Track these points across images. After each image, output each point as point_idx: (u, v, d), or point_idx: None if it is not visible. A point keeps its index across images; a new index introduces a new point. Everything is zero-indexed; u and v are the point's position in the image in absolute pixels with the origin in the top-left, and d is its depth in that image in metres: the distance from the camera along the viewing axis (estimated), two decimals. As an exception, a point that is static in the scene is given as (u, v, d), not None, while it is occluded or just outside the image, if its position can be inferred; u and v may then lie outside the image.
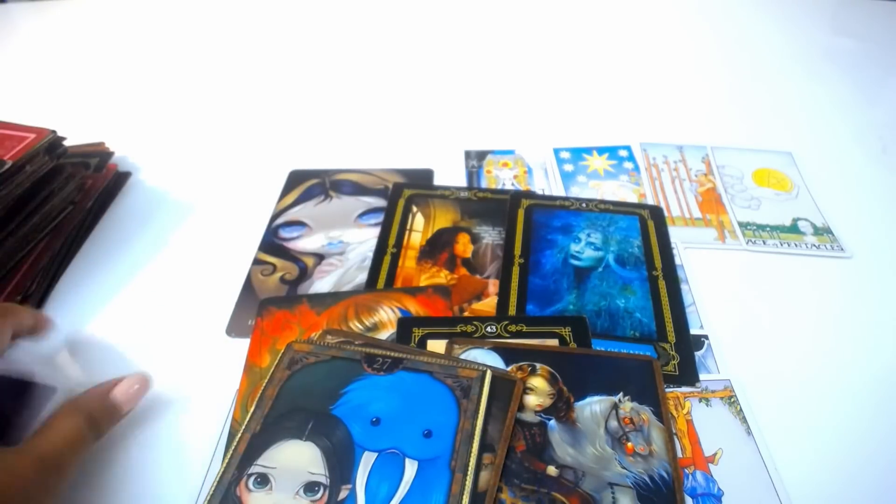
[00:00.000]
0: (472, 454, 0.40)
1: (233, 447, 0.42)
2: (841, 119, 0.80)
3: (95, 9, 1.09)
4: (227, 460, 0.41)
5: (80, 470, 0.44)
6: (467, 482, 0.39)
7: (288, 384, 0.45)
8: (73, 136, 0.63)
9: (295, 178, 0.70)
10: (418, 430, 0.42)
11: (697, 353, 0.51)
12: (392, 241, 0.61)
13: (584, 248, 0.59)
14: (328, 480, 0.39)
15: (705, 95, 0.85)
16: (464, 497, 0.38)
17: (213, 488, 0.40)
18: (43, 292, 0.57)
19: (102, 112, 0.83)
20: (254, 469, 0.40)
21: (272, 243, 0.62)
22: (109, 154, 0.71)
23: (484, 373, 0.45)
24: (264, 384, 0.45)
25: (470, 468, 0.40)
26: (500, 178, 0.70)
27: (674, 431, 0.44)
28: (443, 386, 0.44)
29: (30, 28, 1.06)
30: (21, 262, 0.57)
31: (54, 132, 0.59)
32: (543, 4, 1.08)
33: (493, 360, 0.48)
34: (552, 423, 0.44)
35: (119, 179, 0.70)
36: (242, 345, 0.51)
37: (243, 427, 0.43)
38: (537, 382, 0.46)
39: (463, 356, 0.48)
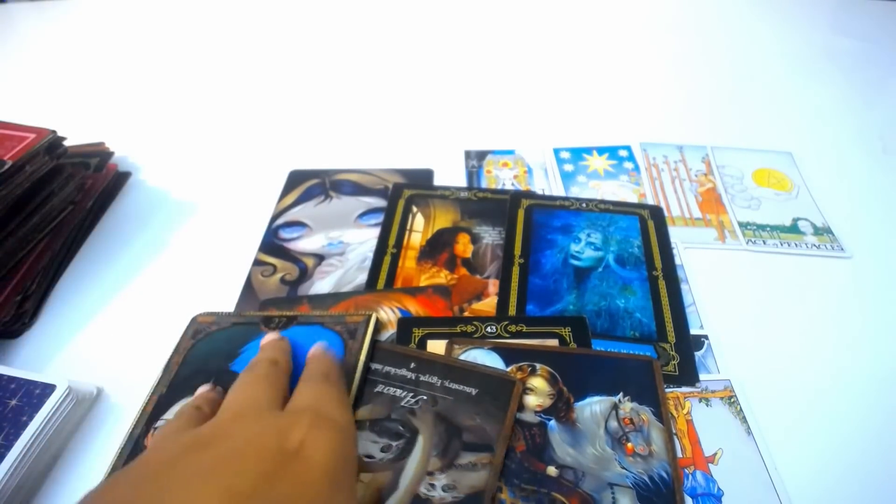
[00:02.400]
0: (354, 384, 0.44)
1: (141, 408, 0.45)
2: (841, 119, 0.80)
3: (95, 9, 1.09)
4: (136, 419, 0.45)
5: (80, 467, 0.44)
6: None
7: (192, 352, 0.49)
8: (73, 136, 0.63)
9: (295, 179, 0.70)
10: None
11: (697, 354, 0.51)
12: (392, 241, 0.61)
13: (584, 248, 0.59)
14: None
15: (705, 95, 0.85)
16: None
17: (123, 441, 0.43)
18: (43, 292, 0.57)
19: (102, 112, 0.83)
20: (159, 423, 0.44)
21: (272, 244, 0.62)
22: (109, 154, 0.71)
23: (369, 316, 0.48)
24: (171, 354, 0.49)
25: (351, 396, 0.43)
26: (500, 178, 0.70)
27: (674, 431, 0.44)
28: (331, 332, 0.48)
29: (30, 28, 1.06)
30: (21, 262, 0.57)
31: (54, 132, 0.59)
32: (543, 4, 1.08)
33: (493, 360, 0.48)
34: (552, 423, 0.44)
35: (119, 179, 0.70)
36: (242, 345, 0.51)
37: (151, 391, 0.46)
38: (537, 383, 0.46)
39: (463, 356, 0.48)
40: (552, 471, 0.41)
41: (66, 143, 0.61)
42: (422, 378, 0.46)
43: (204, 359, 0.48)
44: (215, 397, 0.42)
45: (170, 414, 0.45)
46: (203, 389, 0.44)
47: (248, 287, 0.58)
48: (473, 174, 0.71)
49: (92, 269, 0.60)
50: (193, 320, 0.51)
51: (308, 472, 0.32)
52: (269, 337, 0.46)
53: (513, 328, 0.51)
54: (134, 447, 0.43)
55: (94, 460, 0.45)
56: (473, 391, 0.45)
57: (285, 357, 0.44)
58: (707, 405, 0.47)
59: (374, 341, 0.47)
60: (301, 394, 0.39)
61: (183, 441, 0.34)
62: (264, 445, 0.33)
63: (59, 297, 0.57)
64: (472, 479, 0.40)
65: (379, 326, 0.48)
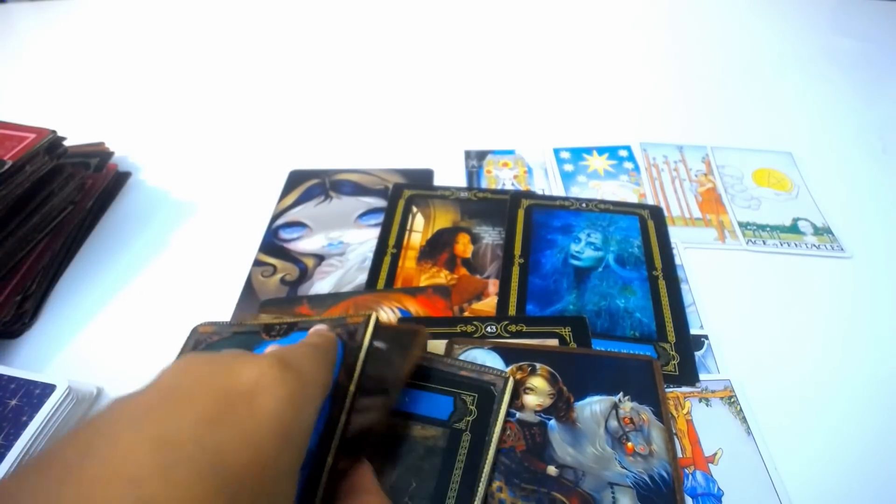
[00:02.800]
0: (353, 382, 0.41)
1: None
2: (841, 119, 0.80)
3: (95, 9, 1.09)
4: None
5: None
6: (345, 405, 0.40)
7: None
8: (73, 136, 0.63)
9: (295, 179, 0.70)
10: None
11: (697, 353, 0.51)
12: (392, 241, 0.61)
13: (584, 248, 0.59)
14: None
15: (705, 95, 0.85)
16: (341, 418, 0.39)
17: None
18: (43, 292, 0.57)
19: (102, 112, 0.83)
20: None
21: (272, 244, 0.62)
22: (109, 154, 0.71)
23: (368, 316, 0.46)
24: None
25: (349, 395, 0.41)
26: (501, 178, 0.70)
27: (674, 431, 0.44)
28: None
29: (30, 28, 1.06)
30: (21, 262, 0.57)
31: (54, 132, 0.59)
32: (544, 5, 1.08)
33: (493, 359, 0.48)
34: (552, 422, 0.44)
35: (119, 179, 0.70)
36: (242, 345, 0.51)
37: None
38: (537, 382, 0.46)
39: (463, 356, 0.48)
40: (552, 470, 0.41)
41: (66, 143, 0.61)
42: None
43: None
44: None
45: None
46: None
47: (249, 287, 0.58)
48: (473, 174, 0.71)
49: (92, 269, 0.60)
50: (194, 331, 0.50)
51: (254, 419, 0.28)
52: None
53: (513, 328, 0.51)
54: None
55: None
56: (384, 346, 0.45)
57: None
58: (707, 405, 0.47)
59: (373, 341, 0.47)
60: (275, 348, 0.35)
61: (138, 392, 0.29)
62: (211, 382, 0.29)
63: (59, 297, 0.57)
64: (364, 420, 0.40)
65: (379, 325, 0.47)
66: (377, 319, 0.46)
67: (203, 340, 0.49)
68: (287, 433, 0.29)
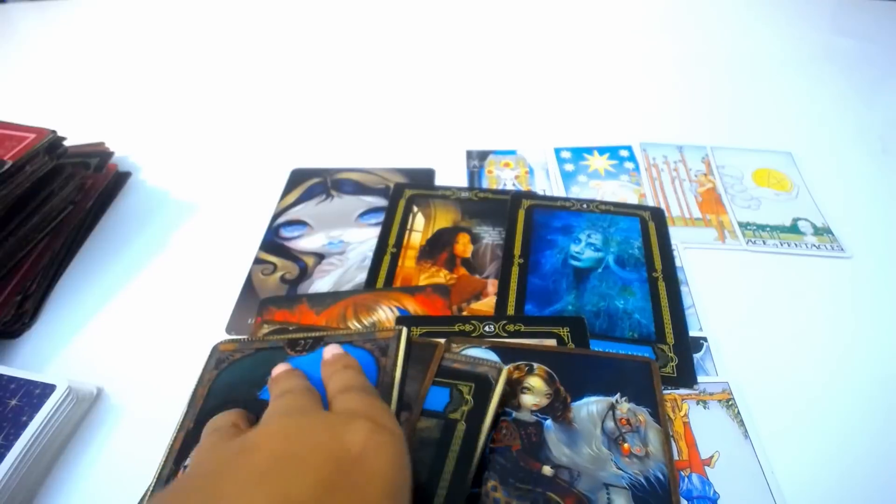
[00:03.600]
0: (392, 402, 0.42)
1: (169, 446, 0.43)
2: (841, 119, 0.80)
3: (95, 9, 1.09)
4: (164, 458, 0.42)
5: (80, 467, 0.45)
6: None
7: (217, 382, 0.46)
8: (73, 136, 0.64)
9: (297, 177, 0.70)
10: None
11: (696, 356, 0.51)
12: (392, 240, 0.61)
13: (583, 248, 0.59)
14: None
15: (705, 95, 0.85)
16: None
17: (151, 484, 0.41)
18: (43, 292, 0.57)
19: (102, 112, 0.83)
20: (189, 461, 0.41)
21: (273, 242, 0.62)
22: (109, 154, 0.71)
23: (400, 331, 0.46)
24: (195, 385, 0.47)
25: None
26: (502, 178, 0.70)
27: (670, 433, 0.44)
28: (362, 350, 0.46)
29: (30, 28, 1.06)
30: (21, 262, 0.57)
31: (54, 132, 0.59)
32: (544, 5, 1.08)
33: (491, 359, 0.48)
34: (548, 422, 0.44)
35: (119, 179, 0.70)
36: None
37: (177, 427, 0.44)
38: (534, 382, 0.46)
39: (463, 354, 0.48)
40: (547, 470, 0.41)
41: (66, 143, 0.61)
42: None
43: (230, 388, 0.46)
44: (250, 416, 0.40)
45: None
46: (234, 410, 0.41)
47: (249, 285, 0.58)
48: (475, 174, 0.71)
49: (92, 269, 0.60)
50: (215, 349, 0.49)
51: (368, 483, 0.30)
52: (278, 370, 0.43)
53: (511, 328, 0.51)
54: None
55: (94, 460, 0.45)
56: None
57: (304, 380, 0.41)
58: (705, 407, 0.47)
59: (407, 358, 0.45)
60: (345, 400, 0.37)
61: (230, 446, 0.32)
62: (322, 447, 0.31)
63: (59, 297, 0.58)
64: None
65: (411, 340, 0.47)
66: (409, 334, 0.46)
67: (226, 358, 0.48)
68: (396, 492, 0.31)
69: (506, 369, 0.45)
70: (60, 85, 0.90)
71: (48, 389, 0.45)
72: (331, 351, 0.44)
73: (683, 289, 0.56)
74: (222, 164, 0.74)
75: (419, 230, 0.63)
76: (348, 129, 0.79)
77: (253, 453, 0.31)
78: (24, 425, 0.43)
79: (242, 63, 0.94)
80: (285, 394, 0.38)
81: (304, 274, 0.59)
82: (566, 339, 0.50)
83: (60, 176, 0.61)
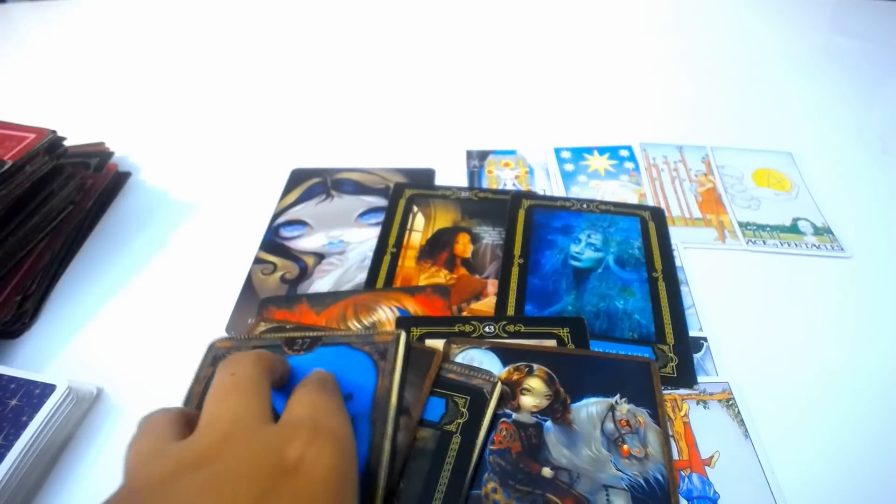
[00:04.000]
0: (391, 406, 0.42)
1: None
2: (841, 119, 0.80)
3: (95, 9, 1.09)
4: None
5: (80, 467, 0.45)
6: (387, 430, 0.40)
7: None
8: (73, 136, 0.63)
9: (297, 177, 0.70)
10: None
11: (696, 356, 0.51)
12: (392, 240, 0.61)
13: (583, 248, 0.59)
14: None
15: (705, 95, 0.85)
16: (384, 444, 0.40)
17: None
18: (43, 292, 0.57)
19: (102, 112, 0.83)
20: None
21: (273, 242, 0.62)
22: (109, 154, 0.71)
23: (399, 335, 0.46)
24: (191, 382, 0.47)
25: (390, 418, 0.41)
26: (502, 178, 0.70)
27: (670, 434, 0.44)
28: (361, 353, 0.46)
29: (30, 28, 1.06)
30: (21, 262, 0.57)
31: (54, 132, 0.59)
32: (544, 5, 1.08)
33: (490, 360, 0.48)
34: (548, 424, 0.44)
35: (119, 179, 0.70)
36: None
37: None
38: (534, 383, 0.46)
39: (460, 356, 0.48)
40: (547, 472, 0.41)
41: (66, 143, 0.61)
42: None
43: None
44: (191, 413, 0.39)
45: None
46: (177, 409, 0.39)
47: (248, 285, 0.58)
48: (475, 174, 0.71)
49: (92, 269, 0.60)
50: (211, 346, 0.49)
51: (308, 488, 0.31)
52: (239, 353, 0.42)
53: (511, 328, 0.51)
54: None
55: (94, 460, 0.45)
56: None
57: (261, 368, 0.39)
58: (705, 408, 0.47)
59: (406, 362, 0.46)
60: (296, 402, 0.37)
61: (169, 462, 0.32)
62: (260, 462, 0.32)
63: (59, 297, 0.58)
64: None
65: (410, 344, 0.47)
66: (408, 338, 0.46)
67: (222, 356, 0.48)
68: (337, 493, 0.32)
69: (500, 384, 0.45)
70: (60, 85, 0.89)
71: (48, 389, 0.45)
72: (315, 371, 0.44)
73: (683, 289, 0.56)
74: (222, 164, 0.74)
75: (419, 230, 0.63)
76: (348, 130, 0.79)
77: (194, 472, 0.31)
78: (24, 425, 0.43)
79: (242, 63, 0.94)
80: (234, 381, 0.37)
81: (304, 274, 0.59)
82: (566, 339, 0.50)
83: (60, 176, 0.61)
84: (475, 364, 0.47)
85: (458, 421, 0.43)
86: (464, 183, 0.70)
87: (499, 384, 0.45)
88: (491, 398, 0.44)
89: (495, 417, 0.44)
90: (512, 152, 0.74)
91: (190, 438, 0.34)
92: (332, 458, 0.33)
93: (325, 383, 0.40)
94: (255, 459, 0.32)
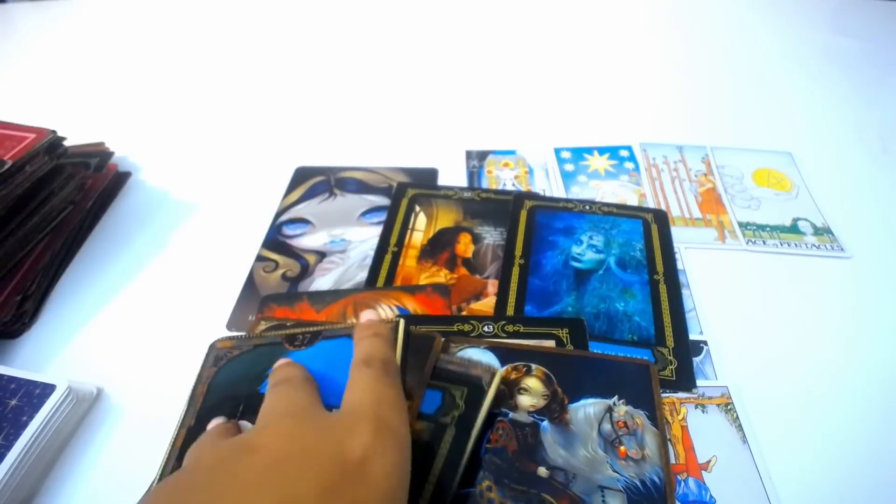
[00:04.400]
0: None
1: (171, 443, 0.43)
2: (841, 119, 0.80)
3: (95, 9, 1.09)
4: (166, 456, 0.43)
5: (80, 467, 0.45)
6: None
7: (216, 379, 0.46)
8: (73, 136, 0.64)
9: (300, 175, 0.70)
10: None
11: (696, 359, 0.50)
12: (394, 239, 0.61)
13: (585, 250, 0.59)
14: None
15: (705, 95, 0.85)
16: None
17: (154, 481, 0.42)
18: (43, 292, 0.57)
19: (102, 112, 0.83)
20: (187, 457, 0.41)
21: (275, 240, 0.62)
22: (109, 154, 0.72)
23: (398, 321, 0.46)
24: (194, 383, 0.47)
25: None
26: (501, 178, 0.70)
27: (668, 437, 0.44)
28: None
29: (30, 28, 1.06)
30: (21, 262, 0.57)
31: (54, 132, 0.59)
32: (544, 5, 1.08)
33: (488, 359, 0.48)
34: (545, 423, 0.44)
35: (119, 179, 0.70)
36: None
37: (179, 423, 0.44)
38: (532, 383, 0.46)
39: (459, 355, 0.48)
40: (543, 471, 0.41)
41: (66, 143, 0.61)
42: None
43: (230, 385, 0.46)
44: (240, 425, 0.40)
45: None
46: (226, 422, 0.41)
47: (250, 283, 0.58)
48: (474, 174, 0.71)
49: (92, 269, 0.60)
50: (212, 346, 0.49)
51: (368, 491, 0.30)
52: (280, 363, 0.42)
53: (510, 328, 0.51)
54: None
55: (94, 460, 0.45)
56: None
57: (303, 371, 0.40)
58: (703, 411, 0.47)
59: (406, 348, 0.45)
60: (357, 387, 0.36)
61: (228, 445, 0.32)
62: (323, 451, 0.31)
63: (59, 297, 0.58)
64: None
65: (409, 333, 0.46)
66: (407, 326, 0.46)
67: (223, 355, 0.48)
68: (395, 496, 0.31)
69: (499, 373, 0.44)
70: (60, 85, 0.90)
71: (48, 389, 0.45)
72: (366, 315, 0.44)
73: (684, 292, 0.56)
74: (224, 163, 0.74)
75: (421, 229, 0.63)
76: (352, 129, 0.79)
77: (253, 453, 0.31)
78: (24, 425, 0.43)
79: (246, 62, 0.94)
80: (280, 383, 0.38)
81: (306, 272, 0.59)
82: (565, 340, 0.50)
83: (60, 176, 0.61)
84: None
85: (454, 413, 0.42)
86: (464, 183, 0.70)
87: (498, 373, 0.44)
88: (489, 388, 0.43)
89: (492, 416, 0.44)
90: (511, 152, 0.74)
91: (249, 430, 0.34)
92: (394, 461, 0.32)
93: (387, 364, 0.39)
94: (317, 447, 0.31)
